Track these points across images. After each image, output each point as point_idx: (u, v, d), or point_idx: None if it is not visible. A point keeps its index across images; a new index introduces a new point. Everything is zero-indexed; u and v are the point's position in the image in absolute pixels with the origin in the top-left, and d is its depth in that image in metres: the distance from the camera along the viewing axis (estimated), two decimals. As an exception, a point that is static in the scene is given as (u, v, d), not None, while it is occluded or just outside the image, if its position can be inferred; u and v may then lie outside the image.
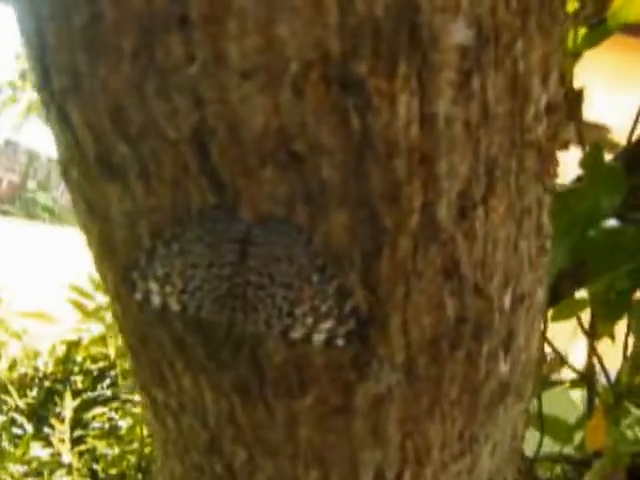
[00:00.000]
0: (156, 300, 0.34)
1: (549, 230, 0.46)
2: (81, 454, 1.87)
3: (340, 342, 0.33)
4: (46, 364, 2.14)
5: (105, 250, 0.38)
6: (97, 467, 1.85)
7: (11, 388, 1.98)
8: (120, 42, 0.29)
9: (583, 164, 0.76)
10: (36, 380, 2.08)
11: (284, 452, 0.41)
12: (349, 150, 0.30)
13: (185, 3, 0.29)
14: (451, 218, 0.35)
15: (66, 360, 2.17)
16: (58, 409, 1.93)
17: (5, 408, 1.93)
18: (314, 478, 0.41)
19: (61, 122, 0.35)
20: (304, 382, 0.37)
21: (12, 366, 2.09)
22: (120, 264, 0.37)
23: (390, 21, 0.29)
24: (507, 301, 0.41)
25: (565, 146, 0.84)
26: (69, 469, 1.81)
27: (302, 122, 0.29)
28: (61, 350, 2.19)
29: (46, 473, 1.75)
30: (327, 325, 0.33)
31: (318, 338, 0.33)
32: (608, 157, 0.81)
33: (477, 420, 0.44)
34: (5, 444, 1.81)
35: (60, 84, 0.33)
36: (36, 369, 2.11)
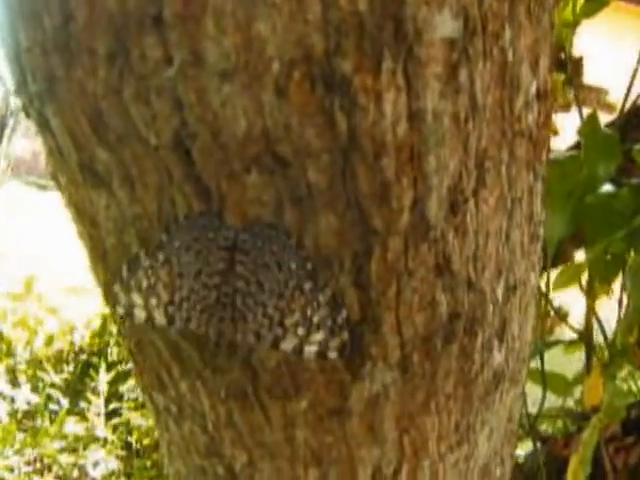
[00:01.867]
0: (140, 314, 0.32)
1: (541, 217, 0.45)
2: (115, 427, 1.89)
3: (332, 355, 0.33)
4: (82, 338, 2.14)
5: (96, 255, 0.38)
6: (131, 439, 1.88)
7: (47, 365, 1.98)
8: (94, 44, 0.28)
9: (581, 132, 0.77)
10: (72, 355, 2.09)
11: (283, 454, 0.40)
12: (335, 152, 0.29)
13: (159, 2, 0.27)
14: (442, 214, 0.34)
15: (102, 333, 2.15)
16: (93, 383, 1.95)
17: (41, 385, 1.93)
18: (314, 477, 0.41)
19: (42, 127, 0.34)
20: (299, 385, 0.37)
21: (48, 342, 2.08)
22: (111, 270, 0.37)
23: (374, 16, 0.28)
24: (500, 292, 0.41)
25: (567, 108, 0.85)
26: (104, 442, 1.83)
27: (286, 124, 0.28)
28: (96, 323, 2.16)
29: (81, 447, 1.77)
30: (319, 337, 0.32)
31: (309, 350, 0.32)
32: (606, 119, 0.83)
33: (473, 410, 0.44)
34: (41, 421, 1.80)
35: (37, 88, 0.31)
36: (72, 344, 2.12)
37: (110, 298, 0.33)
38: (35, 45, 0.30)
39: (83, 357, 2.11)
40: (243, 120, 0.28)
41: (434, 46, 0.30)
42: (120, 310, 0.33)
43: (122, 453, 1.83)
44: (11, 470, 1.59)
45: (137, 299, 0.32)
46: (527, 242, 0.43)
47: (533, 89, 0.38)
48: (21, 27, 0.31)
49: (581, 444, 0.78)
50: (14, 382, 1.93)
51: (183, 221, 0.31)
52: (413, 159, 0.31)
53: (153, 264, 0.32)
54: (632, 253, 0.81)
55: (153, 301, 0.32)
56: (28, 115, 0.33)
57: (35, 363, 2.03)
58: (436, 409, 0.41)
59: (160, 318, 0.32)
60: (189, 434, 0.43)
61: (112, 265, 0.36)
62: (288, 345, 0.32)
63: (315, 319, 0.31)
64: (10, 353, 2.02)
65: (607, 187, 0.76)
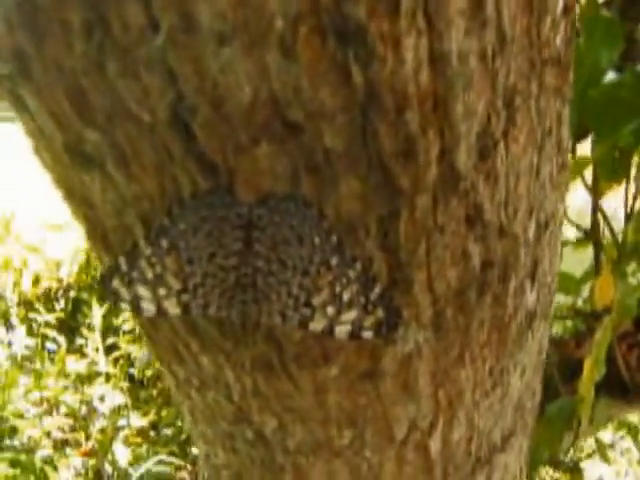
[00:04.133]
0: (149, 307, 0.30)
1: (569, 143, 0.42)
2: (116, 360, 1.87)
3: (367, 334, 0.30)
4: (69, 274, 2.06)
5: (96, 236, 0.35)
6: (133, 371, 1.87)
7: (38, 305, 1.92)
8: (66, 15, 0.24)
9: (580, 18, 0.71)
10: (61, 292, 2.02)
11: (314, 417, 0.39)
12: (353, 110, 0.26)
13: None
14: (471, 163, 0.31)
15: (88, 267, 2.06)
16: (87, 319, 1.90)
17: (35, 325, 1.89)
18: (348, 438, 0.40)
19: (17, 108, 0.30)
20: (328, 354, 0.35)
21: (35, 282, 2.01)
22: (114, 250, 0.34)
23: (386, -52, 0.24)
24: (531, 232, 0.39)
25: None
26: (107, 377, 1.81)
27: (296, 86, 0.25)
28: (82, 258, 2.06)
29: (85, 384, 1.76)
30: (351, 315, 0.30)
31: (341, 330, 0.30)
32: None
33: (506, 353, 0.43)
34: (41, 362, 1.78)
35: (8, 68, 0.28)
36: (60, 281, 2.04)
37: (110, 294, 0.30)
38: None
39: (72, 294, 2.05)
40: (247, 86, 0.25)
41: (456, -24, 0.26)
42: (124, 306, 0.30)
43: (126, 385, 1.83)
44: (21, 416, 1.60)
45: (143, 292, 0.29)
46: (556, 172, 0.40)
47: (560, 5, 0.34)
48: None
49: (594, 344, 0.77)
50: (8, 325, 1.89)
51: (188, 200, 0.28)
52: (438, 108, 0.28)
53: (157, 252, 0.29)
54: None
55: (162, 292, 0.29)
56: (2, 97, 0.29)
57: (26, 304, 1.97)
58: (470, 359, 0.39)
59: (173, 308, 0.30)
60: (214, 403, 0.42)
61: (115, 248, 0.33)
62: (317, 325, 0.30)
63: (345, 296, 0.29)
64: None
65: (610, 76, 0.71)
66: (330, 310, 0.29)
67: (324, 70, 0.25)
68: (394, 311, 0.30)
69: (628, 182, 0.83)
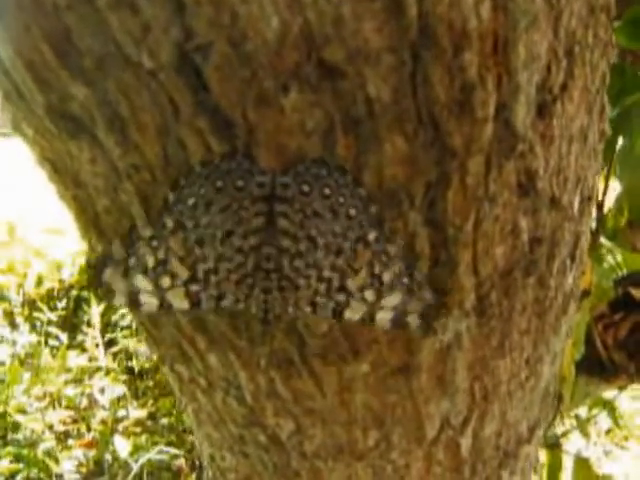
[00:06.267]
0: (150, 300, 0.24)
1: (609, 109, 0.38)
2: (115, 355, 1.92)
3: (414, 321, 0.25)
4: (70, 275, 2.16)
5: (85, 220, 0.29)
6: (132, 364, 1.95)
7: (41, 304, 1.99)
8: None
9: None
10: (62, 292, 2.09)
11: (337, 419, 0.34)
12: (402, 51, 0.21)
13: None
14: (529, 121, 0.26)
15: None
16: (87, 317, 1.97)
17: (39, 323, 1.95)
18: (374, 440, 0.36)
19: None
20: (358, 348, 0.30)
21: (39, 282, 2.08)
22: (107, 236, 0.29)
23: None
24: (576, 206, 0.34)
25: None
26: (107, 371, 1.85)
27: (335, 17, 0.20)
28: (81, 260, 2.11)
29: (86, 378, 1.78)
30: (394, 300, 0.25)
31: (383, 318, 0.25)
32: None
33: (543, 341, 0.38)
34: (44, 359, 1.82)
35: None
36: (61, 281, 2.11)
37: (100, 287, 0.24)
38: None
39: (73, 293, 2.09)
40: (274, 17, 0.20)
41: None
42: (120, 300, 0.25)
43: (125, 378, 1.86)
44: (23, 411, 1.61)
45: (142, 282, 0.24)
46: (597, 140, 0.36)
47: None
48: None
49: (574, 326, 0.79)
50: (13, 324, 1.94)
51: (199, 169, 0.23)
52: (498, 50, 0.23)
53: (159, 233, 0.24)
54: (620, 137, 0.76)
55: (166, 281, 0.24)
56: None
57: (29, 304, 2.03)
58: (510, 348, 0.35)
59: (179, 301, 0.24)
60: (222, 405, 0.37)
61: (109, 232, 0.28)
62: (354, 314, 0.25)
63: (386, 277, 0.24)
64: (4, 298, 2.01)
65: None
66: (369, 294, 0.24)
67: (371, -3, 0.20)
68: (441, 292, 0.25)
69: (609, 167, 0.82)
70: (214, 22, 0.20)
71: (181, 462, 1.49)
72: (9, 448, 1.43)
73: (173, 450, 1.51)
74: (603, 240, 0.88)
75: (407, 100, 0.22)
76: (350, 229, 0.24)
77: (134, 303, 0.25)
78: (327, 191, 0.23)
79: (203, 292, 0.24)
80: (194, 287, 0.24)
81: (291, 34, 0.20)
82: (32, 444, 1.49)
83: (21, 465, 1.41)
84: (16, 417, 1.55)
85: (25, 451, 1.43)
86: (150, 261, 0.24)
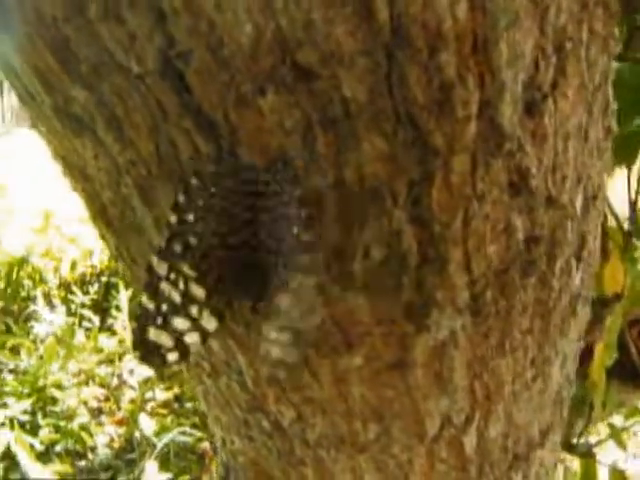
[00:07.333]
0: (193, 337, 0.25)
1: (614, 105, 0.37)
2: None
3: None
4: (101, 261, 2.28)
5: (95, 210, 0.31)
6: None
7: (75, 287, 2.13)
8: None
9: None
10: (94, 277, 2.22)
11: (336, 410, 0.35)
12: (376, 52, 0.22)
13: None
14: (516, 119, 0.26)
15: None
16: (116, 301, 2.08)
17: (73, 306, 2.06)
18: (375, 433, 0.36)
19: (5, 70, 0.27)
20: (350, 341, 0.31)
21: (73, 267, 2.21)
22: (114, 226, 0.30)
23: None
24: (579, 204, 0.34)
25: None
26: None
27: (307, 21, 0.21)
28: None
29: (116, 359, 1.87)
30: None
31: None
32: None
33: (550, 342, 0.38)
34: (78, 338, 1.95)
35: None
36: (93, 267, 2.24)
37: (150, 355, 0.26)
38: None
39: (104, 278, 2.22)
40: (248, 24, 0.21)
41: None
42: (172, 356, 0.25)
43: None
44: (60, 386, 1.71)
45: (179, 322, 0.25)
46: (602, 138, 0.35)
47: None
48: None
49: (605, 330, 0.76)
50: (51, 305, 2.07)
51: (194, 181, 0.24)
52: (478, 50, 0.23)
53: (172, 262, 0.24)
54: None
55: (194, 310, 0.25)
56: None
57: (65, 286, 2.17)
58: (511, 348, 0.35)
59: (208, 322, 0.26)
60: (227, 389, 0.38)
61: (115, 222, 0.30)
62: None
63: None
64: (42, 280, 2.15)
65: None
66: None
67: (340, 2, 0.20)
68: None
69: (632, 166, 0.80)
70: (193, 30, 0.21)
71: (206, 445, 1.54)
72: (48, 419, 1.52)
73: (197, 433, 1.56)
74: (637, 242, 0.85)
75: (384, 100, 0.23)
76: None
77: (183, 350, 0.26)
78: None
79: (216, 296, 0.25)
80: (213, 301, 0.25)
81: (265, 39, 0.21)
82: (68, 417, 1.58)
83: (59, 436, 1.50)
84: (53, 391, 1.65)
85: (62, 423, 1.52)
86: (176, 297, 0.25)
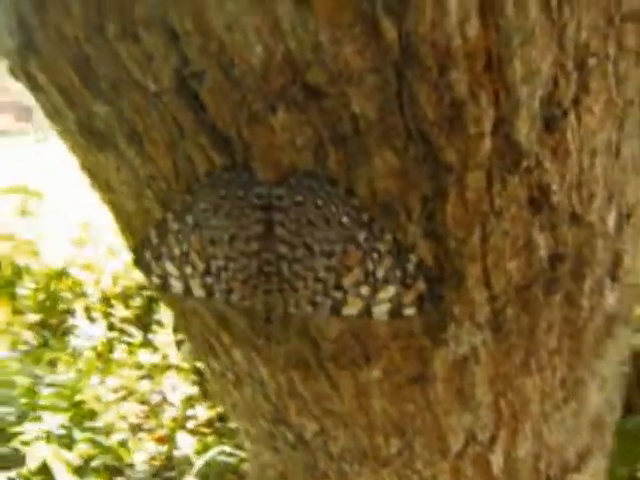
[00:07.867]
0: (176, 284, 0.28)
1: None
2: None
3: (409, 311, 0.26)
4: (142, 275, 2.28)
5: (121, 221, 0.33)
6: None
7: (115, 302, 2.10)
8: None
9: None
10: (136, 291, 2.18)
11: (357, 423, 0.35)
12: (385, 70, 0.22)
13: None
14: (534, 135, 0.26)
15: None
16: (157, 316, 2.04)
17: (114, 320, 2.04)
18: (397, 447, 0.36)
19: (32, 87, 0.28)
20: (369, 354, 0.31)
21: (115, 281, 2.18)
22: (138, 236, 0.32)
23: None
24: (611, 222, 0.33)
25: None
26: (177, 369, 1.90)
27: (314, 43, 0.21)
28: None
29: (157, 375, 1.85)
30: (389, 293, 0.26)
31: (380, 310, 0.26)
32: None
33: (582, 362, 0.37)
34: (118, 353, 1.93)
35: (16, 42, 0.26)
36: (134, 281, 2.18)
37: (142, 267, 0.28)
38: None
39: (146, 293, 2.17)
40: (258, 45, 0.21)
41: None
42: (155, 280, 0.28)
43: (195, 378, 1.90)
44: (98, 399, 1.69)
45: (171, 268, 0.28)
46: (639, 154, 0.34)
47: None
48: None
49: None
50: (91, 319, 2.05)
51: (204, 179, 0.25)
52: (492, 67, 0.23)
53: (182, 228, 0.26)
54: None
55: (188, 270, 0.27)
56: (15, 76, 0.28)
57: (105, 300, 2.13)
58: (537, 367, 0.34)
59: (197, 289, 0.27)
60: (251, 400, 0.39)
61: (138, 231, 0.31)
62: (351, 309, 0.26)
63: (380, 273, 0.25)
64: (83, 293, 2.13)
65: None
66: (364, 290, 0.25)
67: (347, 22, 0.21)
68: (437, 281, 0.26)
69: None
70: (204, 50, 0.22)
71: (248, 466, 1.52)
72: (85, 434, 1.50)
73: (242, 454, 1.56)
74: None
75: (394, 117, 0.23)
76: (343, 234, 0.25)
77: (165, 285, 0.28)
78: (319, 202, 0.24)
79: (216, 285, 0.27)
80: (208, 279, 0.27)
81: (275, 60, 0.21)
82: (107, 433, 1.56)
83: (97, 451, 1.48)
84: (92, 406, 1.63)
85: (100, 438, 1.50)
86: (176, 251, 0.27)
